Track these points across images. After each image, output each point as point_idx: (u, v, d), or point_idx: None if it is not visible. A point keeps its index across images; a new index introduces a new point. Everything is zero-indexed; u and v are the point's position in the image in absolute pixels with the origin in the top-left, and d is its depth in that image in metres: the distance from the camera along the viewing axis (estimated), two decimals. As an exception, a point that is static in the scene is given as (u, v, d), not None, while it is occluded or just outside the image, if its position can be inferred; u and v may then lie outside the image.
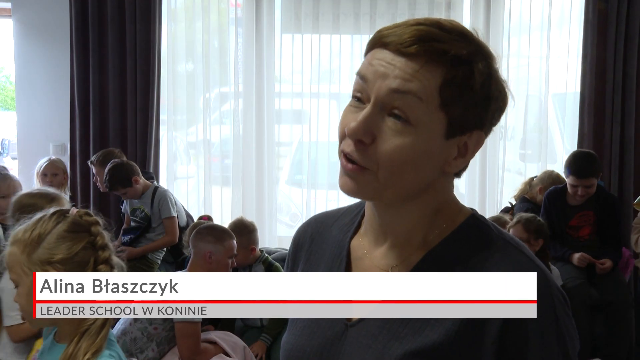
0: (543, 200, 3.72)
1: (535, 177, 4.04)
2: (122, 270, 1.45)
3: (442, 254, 0.83)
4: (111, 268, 1.42)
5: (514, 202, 4.03)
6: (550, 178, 3.86)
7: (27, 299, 1.32)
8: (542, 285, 0.78)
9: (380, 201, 0.84)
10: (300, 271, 0.98)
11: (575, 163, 3.51)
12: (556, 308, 0.78)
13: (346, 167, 0.80)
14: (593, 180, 3.50)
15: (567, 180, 3.55)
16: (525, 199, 3.91)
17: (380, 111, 0.77)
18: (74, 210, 1.45)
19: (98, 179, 3.86)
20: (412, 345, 0.79)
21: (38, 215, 1.43)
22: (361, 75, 0.80)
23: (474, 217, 0.86)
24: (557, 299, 0.79)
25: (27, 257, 1.36)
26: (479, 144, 0.82)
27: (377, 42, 0.79)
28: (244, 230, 3.22)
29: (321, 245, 0.97)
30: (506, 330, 0.76)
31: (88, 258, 1.39)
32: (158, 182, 4.08)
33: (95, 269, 1.39)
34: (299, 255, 1.00)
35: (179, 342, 2.62)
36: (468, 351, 0.77)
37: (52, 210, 1.43)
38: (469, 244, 0.83)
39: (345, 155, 0.80)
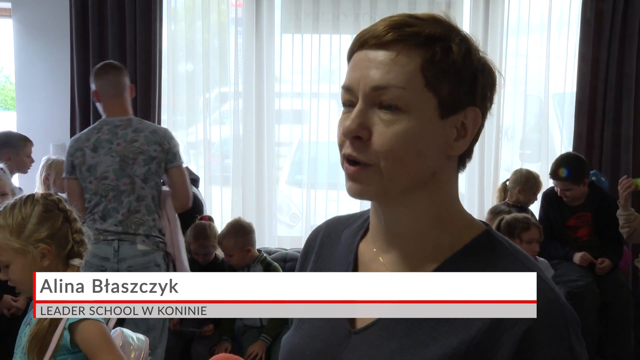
0: (541, 199, 3.71)
1: (507, 181, 3.89)
2: (89, 238, 1.72)
3: (455, 269, 0.81)
4: (82, 234, 1.69)
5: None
6: (524, 177, 3.75)
7: (22, 272, 1.59)
8: (556, 312, 0.77)
9: (387, 197, 0.82)
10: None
11: (554, 164, 3.52)
12: (570, 336, 0.77)
13: (349, 169, 0.81)
14: (568, 184, 3.48)
15: None
16: (508, 205, 3.71)
17: (370, 106, 0.79)
18: (38, 194, 1.67)
19: None
20: None
21: (5, 203, 1.65)
22: (346, 87, 0.82)
23: (488, 232, 0.86)
24: (571, 325, 0.77)
25: (16, 238, 1.59)
26: (476, 122, 0.82)
27: (356, 45, 0.82)
28: (241, 231, 3.23)
29: (330, 249, 0.97)
30: (519, 355, 0.75)
31: (66, 230, 1.66)
32: (197, 186, 3.90)
33: (73, 238, 1.66)
34: (308, 258, 1.00)
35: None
36: None
37: (19, 197, 1.66)
38: (482, 260, 0.82)
39: (347, 159, 0.81)
